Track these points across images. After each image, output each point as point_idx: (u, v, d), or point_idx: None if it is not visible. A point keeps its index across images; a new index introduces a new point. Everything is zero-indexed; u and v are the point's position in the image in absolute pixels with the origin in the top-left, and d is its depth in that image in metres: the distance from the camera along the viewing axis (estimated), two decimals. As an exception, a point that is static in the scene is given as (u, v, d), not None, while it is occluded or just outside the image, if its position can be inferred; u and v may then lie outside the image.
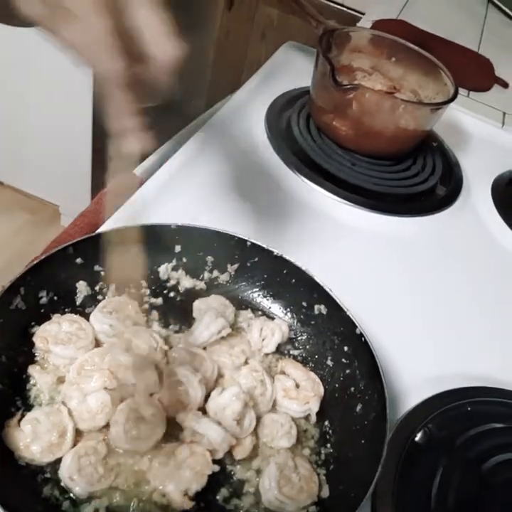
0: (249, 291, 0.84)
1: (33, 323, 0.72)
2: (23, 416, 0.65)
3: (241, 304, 0.83)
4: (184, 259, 0.83)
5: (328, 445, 0.71)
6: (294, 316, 0.83)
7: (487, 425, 0.77)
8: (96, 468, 0.61)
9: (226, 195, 1.02)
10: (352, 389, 0.73)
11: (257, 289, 0.84)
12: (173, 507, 0.62)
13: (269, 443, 0.69)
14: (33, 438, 0.62)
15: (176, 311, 0.81)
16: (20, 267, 0.72)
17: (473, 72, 1.61)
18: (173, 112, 1.34)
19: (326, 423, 0.73)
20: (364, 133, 1.13)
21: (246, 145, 1.16)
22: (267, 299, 0.84)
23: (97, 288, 0.79)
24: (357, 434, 0.69)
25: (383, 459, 0.62)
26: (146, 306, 0.81)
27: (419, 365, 0.85)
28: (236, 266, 0.84)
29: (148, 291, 0.82)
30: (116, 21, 0.47)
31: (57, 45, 0.49)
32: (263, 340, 0.78)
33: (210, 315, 0.75)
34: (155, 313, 0.80)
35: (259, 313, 0.83)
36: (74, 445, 0.64)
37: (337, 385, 0.76)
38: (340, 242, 1.02)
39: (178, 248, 0.82)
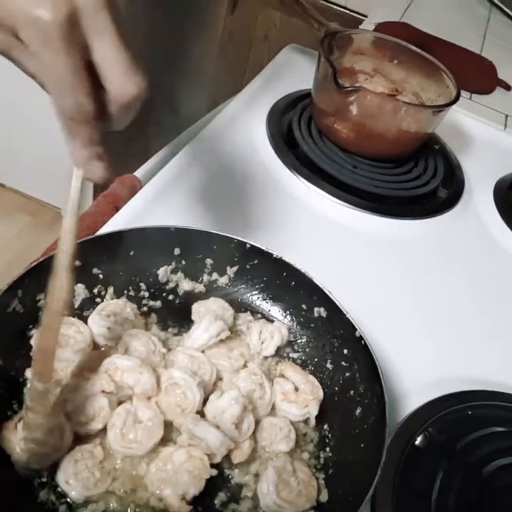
0: (249, 294, 0.84)
1: (30, 326, 0.71)
2: (20, 419, 0.64)
3: (240, 307, 0.83)
4: (183, 262, 0.83)
5: (327, 449, 0.71)
6: (294, 318, 0.82)
7: (488, 429, 0.77)
8: (92, 473, 0.61)
9: (226, 198, 1.01)
10: (351, 392, 0.73)
11: (257, 292, 0.84)
12: (170, 511, 0.61)
13: (268, 447, 0.69)
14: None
15: (175, 314, 0.81)
16: (21, 270, 0.71)
17: (475, 75, 1.61)
18: (174, 114, 1.34)
19: (325, 427, 0.73)
20: (366, 135, 1.13)
21: (247, 147, 1.15)
22: (267, 302, 0.84)
23: (95, 291, 0.78)
24: (356, 438, 0.68)
25: (382, 463, 0.61)
26: (145, 308, 0.80)
27: (420, 368, 0.84)
28: (235, 268, 0.83)
29: (147, 294, 0.82)
30: (77, 55, 0.46)
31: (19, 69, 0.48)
32: (262, 343, 0.78)
33: (208, 318, 0.75)
34: (154, 316, 0.80)
35: (259, 315, 0.83)
36: (71, 449, 0.63)
37: (336, 389, 0.75)
38: (341, 245, 1.01)
39: (177, 251, 0.82)
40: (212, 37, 1.48)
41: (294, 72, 1.43)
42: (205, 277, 0.84)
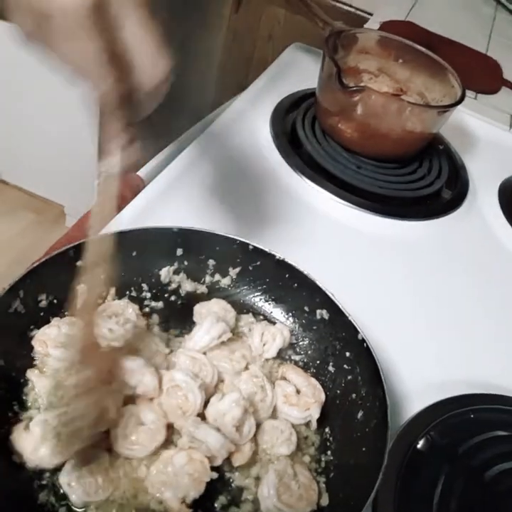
0: (251, 295, 0.84)
1: (32, 327, 0.71)
2: (30, 420, 0.64)
3: (242, 308, 0.82)
4: (185, 263, 0.82)
5: (329, 452, 0.70)
6: (296, 320, 0.82)
7: (490, 433, 0.76)
8: (96, 478, 0.61)
9: (229, 198, 1.01)
10: (353, 395, 0.72)
11: (259, 293, 0.83)
12: (170, 514, 0.61)
13: (269, 450, 0.68)
14: (42, 440, 0.62)
15: (177, 315, 0.81)
16: (25, 268, 0.71)
17: (480, 74, 1.60)
18: (178, 113, 1.33)
19: (327, 430, 0.72)
20: (370, 135, 1.12)
21: (251, 147, 1.15)
22: (269, 304, 0.83)
23: (97, 291, 0.78)
24: (358, 442, 0.68)
25: (384, 467, 0.61)
26: (147, 309, 0.80)
27: (422, 371, 0.84)
28: (238, 270, 0.83)
29: (149, 295, 0.81)
30: (106, 40, 0.47)
31: (46, 62, 0.49)
32: (264, 345, 0.77)
33: (210, 319, 0.75)
34: (156, 317, 0.80)
35: (261, 317, 0.82)
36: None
37: (338, 392, 0.75)
38: (344, 246, 1.01)
39: (179, 251, 0.82)
40: (216, 36, 1.48)
41: (298, 71, 1.43)
42: (208, 278, 0.84)
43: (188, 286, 0.83)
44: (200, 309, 0.80)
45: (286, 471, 0.65)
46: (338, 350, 0.77)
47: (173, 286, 0.83)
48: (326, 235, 1.02)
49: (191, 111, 1.37)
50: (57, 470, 0.62)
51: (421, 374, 0.83)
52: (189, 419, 0.65)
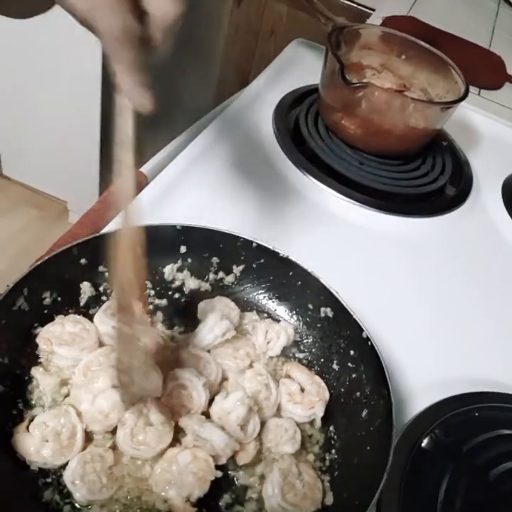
0: (255, 293, 0.83)
1: (36, 324, 0.71)
2: (31, 420, 0.64)
3: (246, 306, 0.82)
4: (189, 260, 0.82)
5: (333, 451, 0.70)
6: (300, 318, 0.82)
7: (495, 431, 0.76)
8: (100, 477, 0.61)
9: (232, 195, 1.01)
10: (358, 394, 0.72)
11: (263, 291, 0.83)
12: (174, 513, 0.61)
13: (273, 448, 0.68)
14: (43, 442, 0.62)
15: (181, 313, 0.80)
16: (27, 263, 0.71)
17: (484, 70, 1.60)
18: (180, 109, 1.33)
19: (331, 428, 0.72)
20: (373, 132, 1.12)
21: (253, 143, 1.15)
22: (273, 301, 0.83)
23: (101, 289, 0.78)
24: (362, 440, 0.68)
25: (389, 466, 0.61)
26: (151, 307, 0.80)
27: (426, 369, 0.84)
28: (241, 267, 0.83)
29: (152, 292, 0.81)
30: None
31: (63, 7, 0.51)
32: (268, 343, 0.77)
33: (214, 317, 0.75)
34: (160, 315, 0.80)
35: (265, 315, 0.82)
36: (84, 448, 0.63)
37: (343, 390, 0.75)
38: (348, 243, 1.01)
39: (183, 249, 0.82)
40: (218, 31, 1.47)
41: (301, 66, 1.42)
42: (211, 276, 0.83)
43: (191, 283, 0.83)
44: (204, 307, 0.80)
45: (290, 469, 0.65)
46: (342, 348, 0.76)
47: (177, 283, 0.83)
48: (329, 232, 1.01)
49: (193, 107, 1.36)
50: (61, 468, 0.62)
51: (425, 372, 0.83)
52: (194, 418, 0.65)
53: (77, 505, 0.60)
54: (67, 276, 0.75)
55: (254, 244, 0.80)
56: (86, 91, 1.93)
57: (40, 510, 0.60)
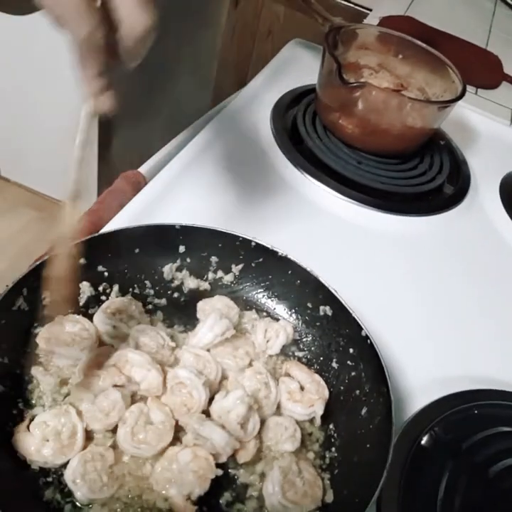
0: (254, 292, 0.84)
1: (35, 324, 0.71)
2: (31, 420, 0.64)
3: (245, 305, 0.82)
4: (188, 260, 0.82)
5: (333, 449, 0.70)
6: (299, 317, 0.82)
7: (494, 429, 0.76)
8: (100, 476, 0.61)
9: (231, 195, 1.01)
10: (357, 392, 0.72)
11: (262, 290, 0.83)
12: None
13: (273, 446, 0.68)
14: (44, 441, 0.62)
15: (180, 312, 0.81)
16: (26, 264, 0.71)
17: (481, 69, 1.60)
18: (178, 110, 1.33)
19: (331, 426, 0.72)
20: (371, 131, 1.12)
21: (251, 143, 1.15)
22: (272, 300, 0.83)
23: (100, 288, 0.78)
24: (362, 438, 0.68)
25: (388, 464, 0.61)
26: (150, 306, 0.80)
27: (426, 367, 0.84)
28: (240, 266, 0.83)
29: (152, 292, 0.81)
30: None
31: (39, 6, 0.51)
32: (267, 341, 0.77)
33: (214, 316, 0.75)
34: (159, 314, 0.80)
35: (264, 314, 0.82)
36: (84, 447, 0.64)
37: (342, 388, 0.75)
38: (346, 242, 1.01)
39: (182, 248, 0.82)
40: (215, 32, 1.47)
41: (298, 67, 1.42)
42: (210, 275, 0.84)
43: (190, 283, 0.83)
44: (203, 306, 0.80)
45: (290, 467, 0.65)
46: (341, 347, 0.77)
47: (176, 283, 0.83)
48: (327, 231, 1.02)
49: (191, 108, 1.36)
50: (62, 467, 0.62)
51: (424, 370, 0.83)
52: (194, 417, 0.65)
53: (78, 504, 0.60)
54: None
55: (253, 244, 0.80)
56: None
57: (41, 509, 0.60)
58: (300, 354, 0.80)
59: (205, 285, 0.83)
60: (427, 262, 1.02)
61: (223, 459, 0.65)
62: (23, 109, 2.16)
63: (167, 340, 0.74)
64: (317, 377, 0.75)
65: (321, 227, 1.02)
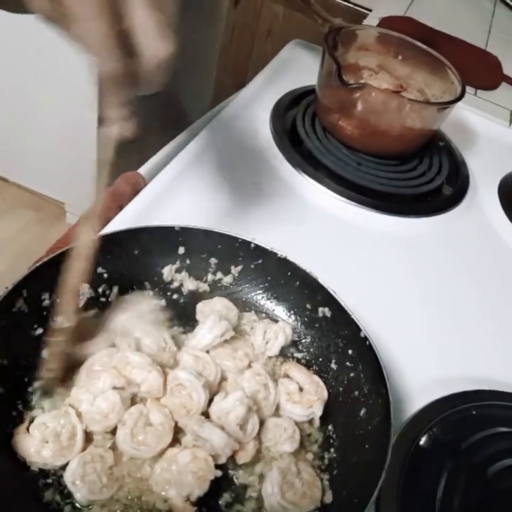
0: (253, 294, 0.84)
1: (35, 326, 0.71)
2: (31, 421, 0.64)
3: (244, 306, 0.83)
4: (187, 261, 0.83)
5: (332, 450, 0.71)
6: (298, 318, 0.82)
7: (493, 429, 0.77)
8: (100, 477, 0.61)
9: (230, 196, 1.01)
10: (356, 393, 0.73)
11: (261, 291, 0.84)
12: (174, 512, 0.61)
13: (272, 447, 0.69)
14: (43, 443, 0.62)
15: (180, 313, 0.81)
16: (26, 265, 0.71)
17: (480, 70, 1.60)
18: (178, 111, 1.33)
19: (330, 427, 0.72)
20: (370, 132, 1.12)
21: (251, 145, 1.15)
22: (271, 301, 0.83)
23: (100, 290, 0.78)
24: (361, 439, 0.68)
25: (387, 464, 0.61)
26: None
27: (424, 368, 0.84)
28: (240, 268, 0.83)
29: (151, 293, 0.81)
30: (114, 23, 0.50)
31: (62, 37, 0.52)
32: (266, 343, 0.77)
33: (213, 318, 0.75)
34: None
35: (263, 315, 0.83)
36: (84, 449, 0.64)
37: (341, 389, 0.75)
38: (345, 244, 1.01)
39: (181, 250, 0.82)
40: (214, 32, 1.48)
41: (297, 67, 1.43)
42: (210, 276, 0.84)
43: (190, 284, 0.83)
44: (202, 308, 0.80)
45: (289, 468, 0.65)
46: (340, 348, 0.77)
47: (176, 284, 0.83)
48: (326, 232, 1.02)
49: (191, 109, 1.37)
50: (62, 469, 0.62)
51: (423, 371, 0.83)
52: (193, 418, 0.65)
53: (77, 505, 0.61)
54: (66, 278, 0.75)
55: (252, 245, 0.81)
56: (84, 93, 1.93)
57: (40, 510, 0.60)
58: (299, 355, 0.80)
59: (204, 286, 0.84)
60: (425, 263, 1.02)
61: (223, 460, 0.65)
62: (22, 109, 2.16)
63: (169, 344, 0.74)
64: (316, 378, 0.75)
65: (320, 228, 1.02)
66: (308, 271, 0.79)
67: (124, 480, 0.63)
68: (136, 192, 0.97)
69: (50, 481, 0.62)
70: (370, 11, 1.86)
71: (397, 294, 0.95)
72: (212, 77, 1.56)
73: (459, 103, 1.12)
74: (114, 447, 0.65)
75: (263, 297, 0.84)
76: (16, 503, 0.59)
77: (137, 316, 0.75)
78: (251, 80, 1.35)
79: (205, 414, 0.67)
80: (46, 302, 0.73)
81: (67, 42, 0.52)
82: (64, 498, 0.61)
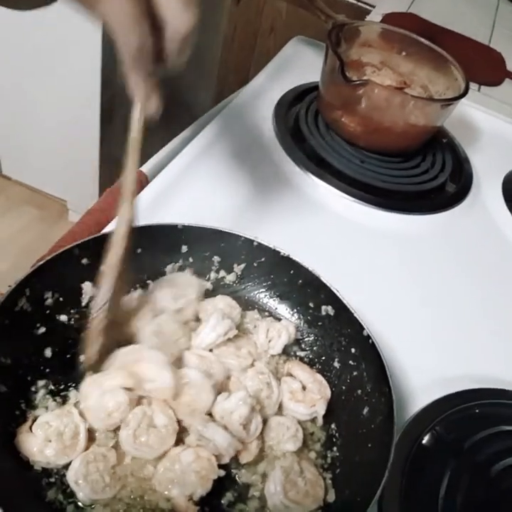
0: (256, 292, 0.84)
1: (38, 325, 0.71)
2: (34, 421, 0.64)
3: (247, 305, 0.83)
4: (190, 260, 0.83)
5: (335, 448, 0.70)
6: (301, 317, 0.82)
7: (496, 428, 0.77)
8: (102, 477, 0.61)
9: (233, 194, 1.01)
10: (359, 391, 0.73)
11: (264, 290, 0.84)
12: (177, 512, 0.61)
13: (275, 446, 0.69)
14: (46, 442, 0.62)
15: (182, 312, 0.81)
16: (28, 263, 0.71)
17: (484, 66, 1.60)
18: (180, 108, 1.33)
19: (333, 426, 0.72)
20: (373, 129, 1.12)
21: (254, 142, 1.15)
22: (274, 300, 0.83)
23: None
24: (363, 438, 0.68)
25: (390, 463, 0.61)
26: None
27: (427, 366, 0.84)
28: (242, 266, 0.83)
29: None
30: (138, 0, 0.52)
31: (87, 17, 0.55)
32: (269, 341, 0.77)
33: (216, 316, 0.75)
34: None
35: (266, 314, 0.82)
36: (87, 448, 0.64)
37: (344, 388, 0.75)
38: (348, 241, 1.01)
39: (184, 248, 0.82)
40: (217, 29, 1.47)
41: (300, 64, 1.42)
42: (213, 275, 0.84)
43: (193, 283, 0.83)
44: (205, 306, 0.80)
45: (292, 467, 0.66)
46: (343, 347, 0.77)
47: (178, 283, 0.83)
48: (329, 230, 1.02)
49: (194, 106, 1.36)
50: (64, 468, 0.62)
51: (425, 369, 0.83)
52: (197, 418, 0.65)
53: (80, 504, 0.61)
54: (69, 277, 0.75)
55: (255, 243, 0.81)
56: (86, 90, 1.93)
57: (43, 509, 0.60)
58: (302, 354, 0.80)
59: (207, 285, 0.83)
60: (428, 261, 1.02)
61: (226, 460, 0.65)
62: (24, 107, 2.16)
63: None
64: (319, 376, 0.75)
65: (323, 225, 1.02)
66: (311, 269, 0.79)
67: (127, 479, 0.63)
68: (139, 191, 0.97)
69: (52, 480, 0.62)
70: (373, 7, 1.85)
71: (400, 292, 0.95)
72: (215, 74, 1.56)
73: (463, 99, 1.11)
74: (116, 446, 0.65)
75: (266, 295, 0.84)
76: (19, 502, 0.59)
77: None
78: (254, 76, 1.35)
79: (208, 414, 0.67)
80: (49, 301, 0.73)
81: (93, 21, 0.54)
82: (67, 497, 0.61)
